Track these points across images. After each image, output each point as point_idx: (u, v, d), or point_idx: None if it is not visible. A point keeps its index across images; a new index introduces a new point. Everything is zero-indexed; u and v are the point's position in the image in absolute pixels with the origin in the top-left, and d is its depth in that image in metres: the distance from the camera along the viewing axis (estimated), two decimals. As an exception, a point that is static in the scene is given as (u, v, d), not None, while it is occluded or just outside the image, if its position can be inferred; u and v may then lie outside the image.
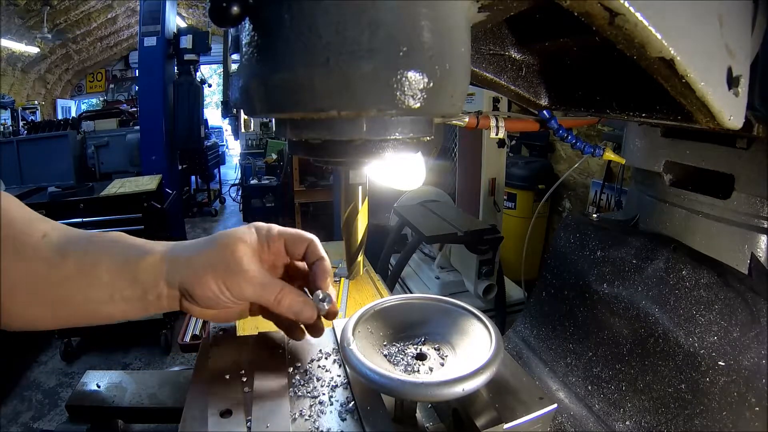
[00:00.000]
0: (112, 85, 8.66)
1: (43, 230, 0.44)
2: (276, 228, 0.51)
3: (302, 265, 0.54)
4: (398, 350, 0.50)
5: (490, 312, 1.85)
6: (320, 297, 0.50)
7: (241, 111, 0.35)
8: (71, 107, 8.41)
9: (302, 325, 0.53)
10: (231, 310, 0.51)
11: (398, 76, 0.28)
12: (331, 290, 0.51)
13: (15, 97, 6.05)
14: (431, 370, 0.47)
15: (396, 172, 0.62)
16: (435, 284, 2.05)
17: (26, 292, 0.42)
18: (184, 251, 0.46)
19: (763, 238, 0.59)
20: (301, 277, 0.54)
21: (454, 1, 0.31)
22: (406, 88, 0.28)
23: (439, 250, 2.15)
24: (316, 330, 0.53)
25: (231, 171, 7.82)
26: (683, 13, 0.35)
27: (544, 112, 0.63)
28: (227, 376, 0.48)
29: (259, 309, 0.53)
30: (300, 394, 0.46)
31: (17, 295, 0.42)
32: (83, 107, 8.22)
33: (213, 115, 9.55)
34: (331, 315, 0.52)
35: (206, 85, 5.41)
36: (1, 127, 5.35)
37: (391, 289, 1.68)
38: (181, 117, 4.11)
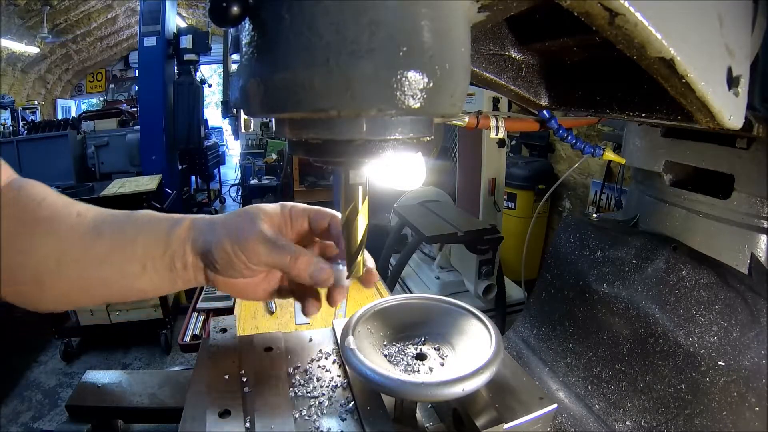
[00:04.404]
0: (112, 85, 8.65)
1: (77, 210, 0.45)
2: (301, 205, 0.51)
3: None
4: (398, 350, 0.50)
5: (490, 312, 1.85)
6: (341, 264, 0.47)
7: (241, 111, 0.35)
8: (71, 107, 8.41)
9: (319, 296, 0.51)
10: (256, 284, 0.50)
11: (398, 76, 0.28)
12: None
13: (15, 97, 6.05)
14: (431, 370, 0.47)
15: (396, 172, 0.62)
16: (435, 284, 2.05)
17: (57, 266, 0.43)
18: (210, 219, 0.48)
19: (763, 238, 0.59)
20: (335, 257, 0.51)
21: (454, 1, 0.31)
22: (406, 88, 0.28)
23: (439, 250, 2.15)
24: (332, 299, 0.50)
25: (231, 171, 7.81)
26: (683, 13, 0.35)
27: (544, 112, 0.63)
28: (227, 376, 0.48)
29: (288, 288, 0.51)
30: (300, 394, 0.46)
31: (46, 270, 0.43)
32: (83, 107, 8.22)
33: (213, 115, 9.54)
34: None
35: (206, 85, 5.41)
36: (1, 127, 5.35)
37: (391, 289, 1.68)
38: (181, 117, 4.11)
